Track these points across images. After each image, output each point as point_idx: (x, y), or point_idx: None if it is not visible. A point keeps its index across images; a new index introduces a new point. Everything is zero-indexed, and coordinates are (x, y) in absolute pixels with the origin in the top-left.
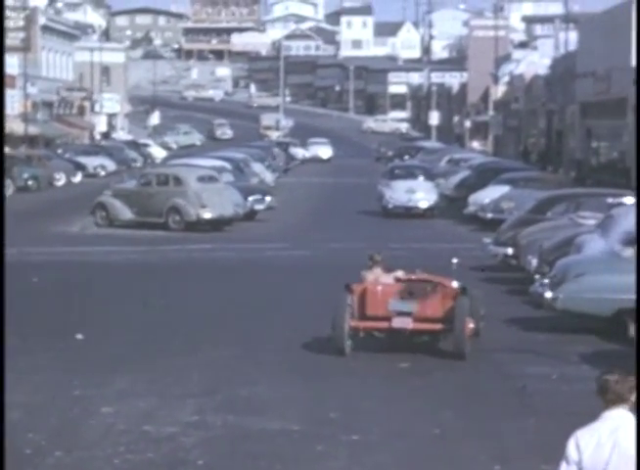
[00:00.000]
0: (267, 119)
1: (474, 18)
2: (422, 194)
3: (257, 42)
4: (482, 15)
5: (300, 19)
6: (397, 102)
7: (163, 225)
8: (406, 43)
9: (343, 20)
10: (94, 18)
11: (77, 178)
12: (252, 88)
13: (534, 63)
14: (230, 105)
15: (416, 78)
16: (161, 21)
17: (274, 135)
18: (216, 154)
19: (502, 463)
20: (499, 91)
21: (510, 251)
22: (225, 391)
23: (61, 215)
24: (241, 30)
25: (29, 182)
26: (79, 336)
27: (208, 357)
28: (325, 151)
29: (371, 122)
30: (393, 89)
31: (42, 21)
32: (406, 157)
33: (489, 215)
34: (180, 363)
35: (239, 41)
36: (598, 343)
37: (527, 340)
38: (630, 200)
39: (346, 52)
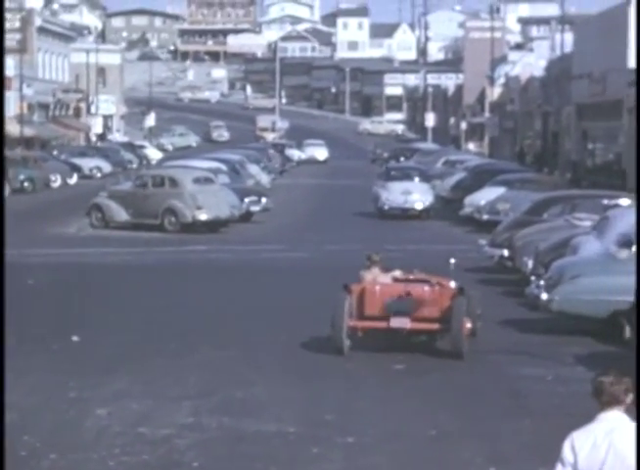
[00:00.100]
0: (263, 121)
1: (470, 19)
2: (418, 195)
3: (253, 44)
4: (478, 16)
5: (296, 20)
6: (393, 103)
7: (159, 227)
8: (402, 45)
9: (339, 21)
10: (90, 19)
11: (73, 180)
12: (248, 90)
13: (530, 64)
14: (226, 106)
15: (412, 80)
16: (157, 22)
17: (270, 137)
18: (212, 155)
19: (498, 465)
20: (495, 93)
21: (506, 252)
22: (221, 392)
23: (56, 217)
24: (237, 32)
25: (25, 184)
26: (75, 338)
27: (204, 359)
28: (321, 152)
29: (367, 124)
30: (389, 91)
31: (38, 22)
32: (402, 158)
33: (485, 217)
34: (176, 365)
35: (235, 43)
36: (593, 344)
37: (523, 341)
38: (626, 201)
39: (342, 53)
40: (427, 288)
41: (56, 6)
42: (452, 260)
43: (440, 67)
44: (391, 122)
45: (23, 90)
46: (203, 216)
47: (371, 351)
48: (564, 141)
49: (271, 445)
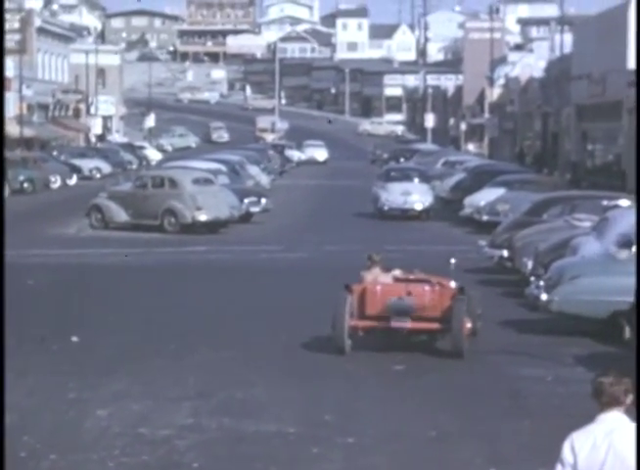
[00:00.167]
0: (263, 122)
1: (469, 20)
2: (417, 196)
3: (253, 44)
4: (478, 17)
5: (296, 21)
6: (393, 104)
7: (159, 227)
8: (402, 45)
9: (339, 22)
10: (89, 20)
11: (73, 181)
12: (248, 90)
13: (530, 65)
14: (225, 107)
15: (411, 81)
16: (157, 23)
17: (270, 138)
18: (212, 156)
19: (498, 465)
20: (495, 93)
21: (505, 253)
22: (221, 393)
23: (56, 218)
24: (236, 33)
25: (25, 184)
26: (75, 338)
27: (204, 360)
28: (321, 153)
29: (367, 125)
30: (389, 92)
31: (37, 23)
32: (402, 159)
33: (485, 218)
34: (176, 366)
35: (234, 43)
36: (593, 345)
37: (523, 342)
38: (625, 202)
39: (342, 54)
40: (427, 288)
41: (55, 7)
42: (452, 260)
43: (440, 67)
44: (391, 123)
45: (23, 91)
46: (202, 217)
47: (371, 350)
48: (563, 142)
49: (271, 445)
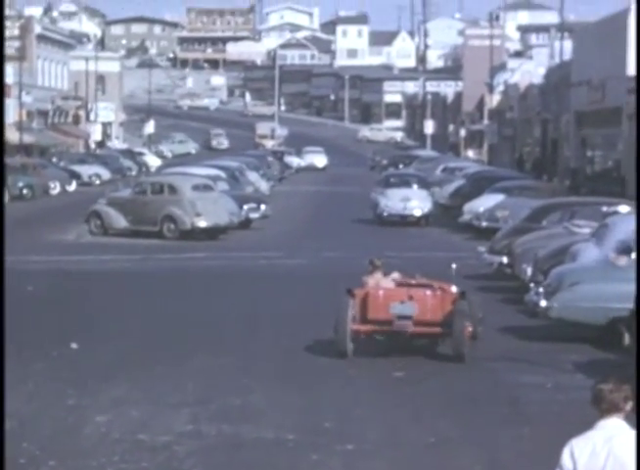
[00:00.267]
0: (262, 128)
1: (469, 27)
2: (416, 202)
3: (253, 51)
4: (478, 24)
5: (296, 28)
6: (392, 111)
7: (158, 234)
8: (401, 52)
9: (339, 29)
10: (89, 27)
11: (72, 187)
12: (248, 97)
13: (529, 72)
14: (225, 114)
15: (411, 87)
16: (157, 30)
17: (269, 144)
18: (211, 162)
19: None
20: (494, 100)
21: (505, 259)
22: (220, 399)
23: (55, 224)
24: (236, 39)
25: (24, 191)
26: (74, 345)
27: (203, 366)
28: (320, 160)
29: (366, 131)
30: (389, 98)
31: (37, 30)
32: (401, 165)
33: (484, 224)
34: (175, 372)
35: (234, 50)
36: (592, 352)
37: (522, 348)
38: (625, 208)
39: (342, 61)
40: (429, 292)
41: (55, 13)
42: (453, 266)
43: (440, 74)
44: (391, 130)
45: (23, 97)
46: (202, 223)
47: (372, 355)
48: (563, 148)
49: (270, 452)
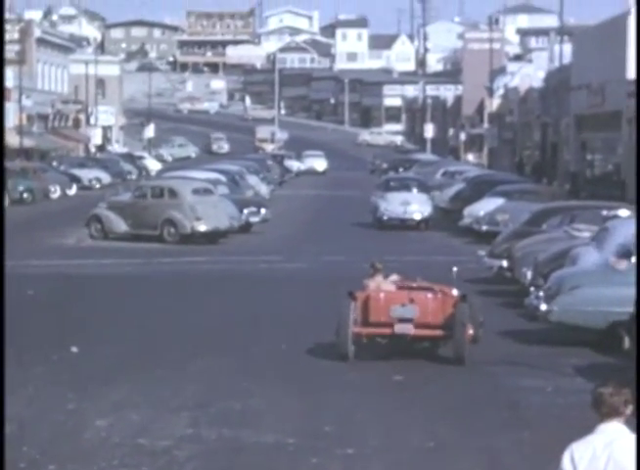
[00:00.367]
0: (262, 132)
1: (469, 30)
2: (416, 206)
3: (252, 55)
4: (477, 27)
5: (295, 31)
6: (392, 114)
7: (158, 238)
8: (401, 56)
9: (338, 32)
10: (89, 30)
11: (72, 191)
12: (247, 101)
13: (529, 75)
14: (225, 117)
15: (411, 91)
16: (156, 33)
17: (269, 148)
18: (211, 166)
19: None
20: (494, 104)
21: (505, 263)
22: (220, 403)
23: (56, 228)
24: (236, 43)
25: (25, 195)
26: (74, 349)
27: (203, 370)
28: (320, 163)
29: (366, 135)
30: (388, 102)
31: (37, 33)
32: (401, 169)
33: (484, 228)
34: (175, 376)
35: (234, 54)
36: (592, 355)
37: (522, 352)
38: (625, 212)
39: (341, 64)
40: (430, 295)
41: (55, 17)
42: (454, 269)
43: (439, 78)
44: (390, 133)
45: (23, 101)
46: (202, 227)
47: (373, 358)
48: (563, 152)
49: (270, 456)
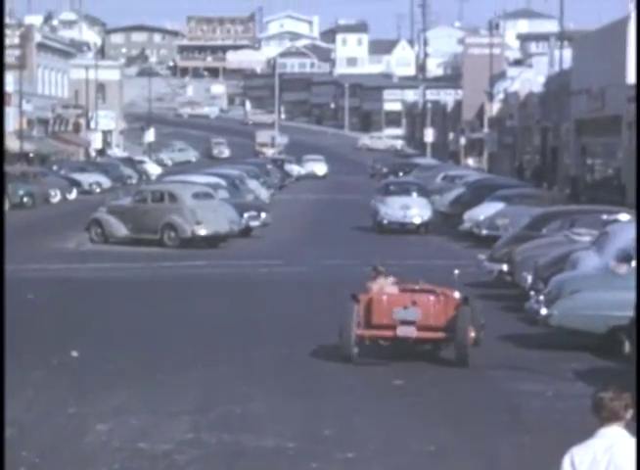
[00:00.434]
0: (262, 137)
1: (469, 35)
2: (416, 210)
3: (252, 60)
4: (478, 32)
5: (296, 36)
6: (392, 119)
7: (159, 242)
8: (401, 60)
9: (339, 37)
10: (89, 35)
11: (72, 195)
12: (248, 105)
13: (529, 80)
14: (225, 122)
15: (411, 96)
16: (157, 38)
17: (269, 152)
18: (212, 171)
19: None
20: (494, 108)
21: (505, 267)
22: (220, 408)
23: (56, 232)
24: (236, 48)
25: (25, 199)
26: (74, 353)
27: (203, 374)
28: (320, 168)
29: (366, 139)
30: (388, 106)
31: (38, 38)
32: (401, 173)
33: (484, 232)
34: (175, 380)
35: (234, 59)
36: (593, 360)
37: (522, 357)
38: (625, 217)
39: (342, 69)
40: (432, 298)
41: (55, 22)
42: (456, 271)
43: (439, 82)
44: (390, 138)
45: (23, 106)
46: (202, 231)
47: (372, 364)
48: (563, 156)
49: (270, 460)
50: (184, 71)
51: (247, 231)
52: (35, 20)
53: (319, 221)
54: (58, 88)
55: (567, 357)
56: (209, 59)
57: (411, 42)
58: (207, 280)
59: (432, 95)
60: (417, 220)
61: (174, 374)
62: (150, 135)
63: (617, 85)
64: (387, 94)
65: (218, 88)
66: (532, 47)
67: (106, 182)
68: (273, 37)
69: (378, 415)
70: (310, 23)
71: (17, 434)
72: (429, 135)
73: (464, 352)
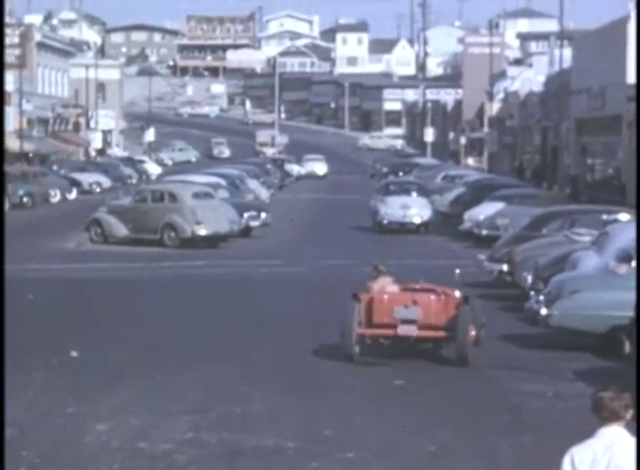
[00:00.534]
0: (262, 136)
1: (469, 35)
2: (416, 210)
3: (252, 59)
4: (477, 32)
5: (295, 35)
6: (392, 119)
7: (159, 242)
8: (401, 60)
9: (339, 36)
10: (89, 35)
11: (72, 195)
12: (248, 105)
13: (529, 79)
14: (225, 121)
15: (411, 95)
16: (157, 37)
17: (269, 152)
18: (212, 170)
19: None
20: (494, 108)
21: (505, 267)
22: (220, 407)
23: (56, 232)
24: (236, 47)
25: (25, 199)
26: (74, 353)
27: (203, 374)
28: (320, 167)
29: (366, 139)
30: (388, 106)
31: (37, 37)
32: (401, 173)
33: (484, 232)
34: (175, 380)
35: (234, 58)
36: (593, 360)
37: (522, 357)
38: (625, 217)
39: (342, 69)
40: (433, 297)
41: (55, 21)
42: (457, 271)
43: (439, 82)
44: (391, 137)
45: (23, 105)
46: (202, 231)
47: (372, 364)
48: (563, 156)
49: (270, 460)
50: (184, 71)
51: (247, 231)
52: (35, 19)
53: (319, 221)
54: (58, 88)
55: (567, 357)
56: (209, 58)
57: (411, 41)
58: (207, 280)
59: (432, 94)
60: (417, 220)
61: (174, 374)
62: (150, 135)
63: (617, 85)
64: (387, 93)
65: (218, 88)
66: (532, 46)
67: (106, 182)
68: (273, 37)
69: (378, 415)
70: (310, 22)
71: (17, 434)
72: (429, 135)
73: (464, 352)
